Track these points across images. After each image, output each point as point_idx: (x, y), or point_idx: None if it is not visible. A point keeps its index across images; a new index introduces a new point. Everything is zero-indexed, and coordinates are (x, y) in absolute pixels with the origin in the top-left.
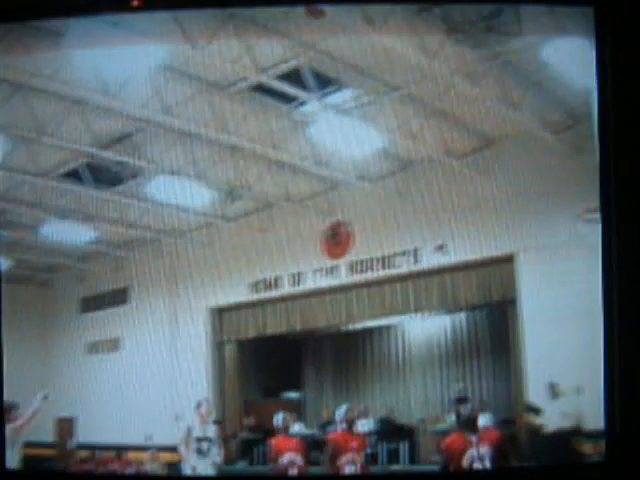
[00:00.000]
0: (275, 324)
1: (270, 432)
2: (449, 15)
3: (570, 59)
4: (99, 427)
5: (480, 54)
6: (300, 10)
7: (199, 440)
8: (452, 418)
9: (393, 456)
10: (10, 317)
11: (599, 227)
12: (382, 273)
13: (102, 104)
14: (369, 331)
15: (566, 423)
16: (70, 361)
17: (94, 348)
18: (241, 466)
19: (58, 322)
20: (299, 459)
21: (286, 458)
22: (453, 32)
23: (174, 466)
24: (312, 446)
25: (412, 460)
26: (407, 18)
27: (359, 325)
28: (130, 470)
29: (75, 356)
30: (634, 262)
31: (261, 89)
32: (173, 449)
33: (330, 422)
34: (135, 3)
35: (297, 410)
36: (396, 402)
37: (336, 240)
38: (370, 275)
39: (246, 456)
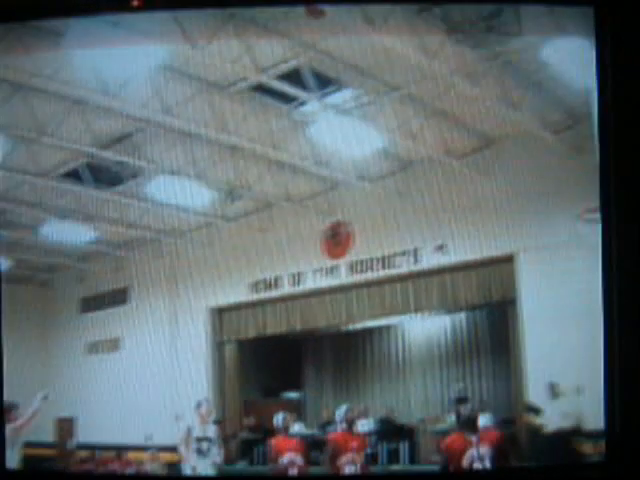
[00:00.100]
0: (275, 324)
1: (270, 432)
2: (449, 15)
3: (570, 59)
4: (99, 427)
5: (480, 54)
6: (300, 10)
7: (199, 440)
8: (452, 418)
9: (393, 456)
10: (10, 317)
11: (599, 227)
12: (382, 273)
13: (102, 104)
14: (369, 331)
15: (566, 423)
16: (70, 361)
17: (94, 348)
18: (241, 466)
19: (58, 322)
20: (299, 459)
21: (286, 458)
22: (453, 32)
23: (174, 466)
24: (312, 446)
25: (412, 460)
26: (407, 18)
27: (359, 325)
28: (130, 470)
29: (75, 356)
30: (634, 262)
31: (261, 89)
32: (173, 449)
33: (330, 422)
34: (135, 3)
35: (297, 410)
36: (396, 402)
37: (336, 240)
38: (370, 275)
39: (246, 456)
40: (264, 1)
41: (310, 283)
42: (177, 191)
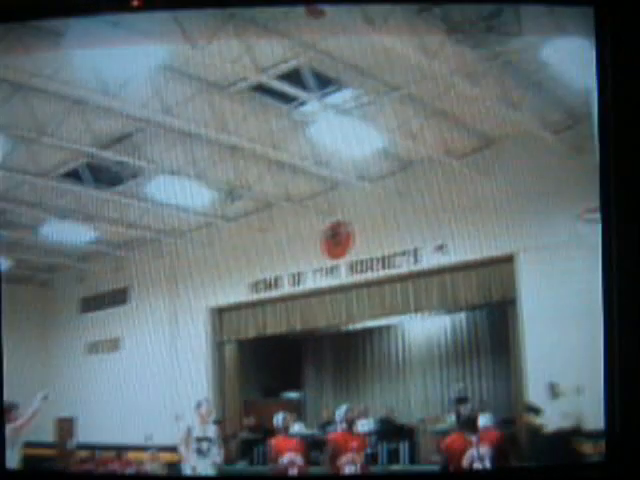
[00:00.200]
0: (275, 324)
1: (270, 432)
2: (449, 15)
3: (570, 59)
4: (99, 427)
5: (480, 54)
6: (300, 10)
7: (199, 440)
8: (452, 418)
9: (393, 456)
10: (10, 317)
11: (599, 227)
12: (382, 273)
13: (102, 104)
14: (369, 331)
15: (566, 423)
16: (70, 361)
17: (94, 348)
18: (241, 466)
19: (58, 322)
20: (299, 459)
21: (286, 458)
22: (453, 32)
23: (174, 466)
24: (312, 446)
25: (412, 460)
26: (407, 18)
27: (359, 325)
28: (130, 470)
29: (75, 356)
30: (634, 262)
31: (261, 89)
32: (173, 449)
33: (330, 422)
34: (135, 3)
35: (297, 410)
36: (396, 402)
37: (336, 240)
38: (370, 275)
39: (246, 456)
40: (264, 1)
41: (310, 283)
42: (177, 191)
